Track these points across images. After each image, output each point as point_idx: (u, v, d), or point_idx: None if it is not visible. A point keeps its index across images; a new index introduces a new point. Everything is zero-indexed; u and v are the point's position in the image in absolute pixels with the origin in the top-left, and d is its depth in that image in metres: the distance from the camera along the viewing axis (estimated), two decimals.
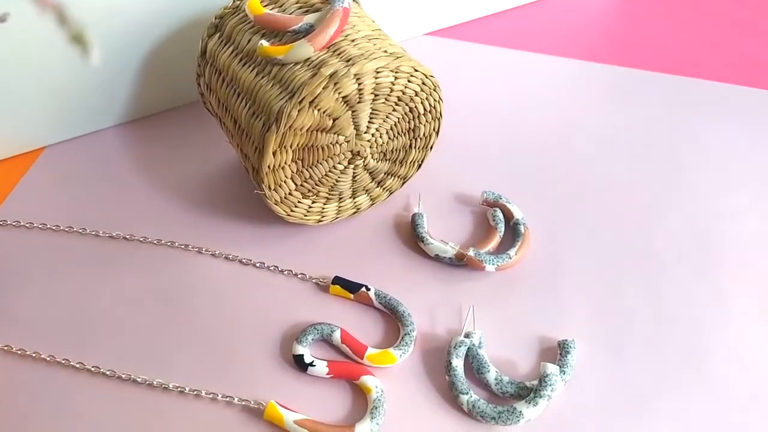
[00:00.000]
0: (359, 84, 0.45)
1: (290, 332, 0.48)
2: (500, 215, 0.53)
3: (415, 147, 0.52)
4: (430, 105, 0.50)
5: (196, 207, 0.55)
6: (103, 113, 0.60)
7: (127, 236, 0.53)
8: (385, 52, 0.46)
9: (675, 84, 0.67)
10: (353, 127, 0.47)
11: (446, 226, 0.54)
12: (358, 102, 0.46)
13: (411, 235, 0.53)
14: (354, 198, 0.53)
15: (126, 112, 0.61)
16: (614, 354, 0.47)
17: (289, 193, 0.49)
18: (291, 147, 0.46)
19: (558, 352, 0.46)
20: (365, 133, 0.48)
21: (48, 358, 0.46)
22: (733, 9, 0.76)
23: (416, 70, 0.47)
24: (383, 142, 0.50)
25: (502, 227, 0.53)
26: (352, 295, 0.49)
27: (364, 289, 0.49)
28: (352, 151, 0.49)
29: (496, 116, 0.63)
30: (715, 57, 0.70)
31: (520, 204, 0.55)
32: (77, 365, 0.45)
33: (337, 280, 0.50)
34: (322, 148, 0.47)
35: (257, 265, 0.51)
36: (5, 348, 0.46)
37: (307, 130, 0.46)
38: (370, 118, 0.48)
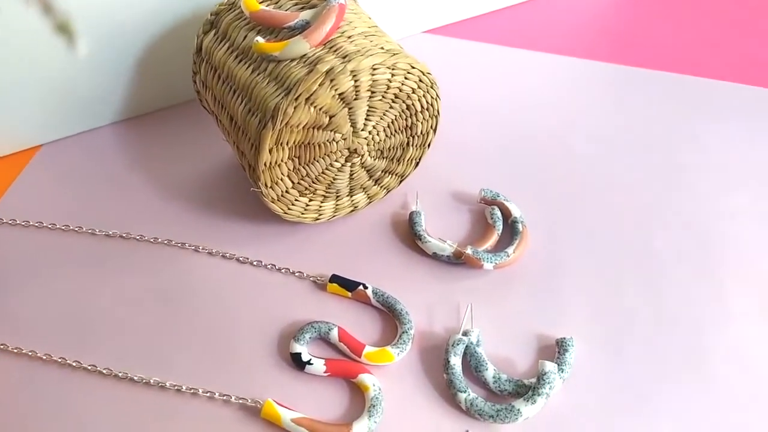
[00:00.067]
0: (356, 81, 0.44)
1: (288, 330, 0.47)
2: (498, 213, 0.53)
3: (412, 145, 0.52)
4: (427, 102, 0.50)
5: (192, 205, 0.55)
6: (100, 111, 0.60)
7: (124, 234, 0.53)
8: (382, 48, 0.45)
9: (675, 82, 0.66)
10: (350, 124, 0.47)
11: (444, 224, 0.54)
12: (355, 99, 0.45)
13: (409, 233, 0.53)
14: (351, 196, 0.53)
15: (122, 110, 0.61)
16: (613, 353, 0.47)
17: (286, 191, 0.49)
18: (287, 144, 0.46)
19: (556, 350, 0.46)
20: (362, 130, 0.48)
21: (44, 357, 0.46)
22: (733, 8, 0.76)
23: (413, 67, 0.46)
24: (380, 140, 0.50)
25: (500, 225, 0.53)
26: (349, 294, 0.49)
27: (361, 287, 0.49)
28: (349, 149, 0.49)
29: (495, 114, 0.63)
30: (715, 55, 0.69)
31: (518, 202, 0.55)
32: (73, 364, 0.45)
33: (335, 279, 0.49)
34: (319, 146, 0.47)
35: (254, 263, 0.51)
36: (1, 347, 0.46)
37: (304, 127, 0.45)
38: (367, 115, 0.47)
